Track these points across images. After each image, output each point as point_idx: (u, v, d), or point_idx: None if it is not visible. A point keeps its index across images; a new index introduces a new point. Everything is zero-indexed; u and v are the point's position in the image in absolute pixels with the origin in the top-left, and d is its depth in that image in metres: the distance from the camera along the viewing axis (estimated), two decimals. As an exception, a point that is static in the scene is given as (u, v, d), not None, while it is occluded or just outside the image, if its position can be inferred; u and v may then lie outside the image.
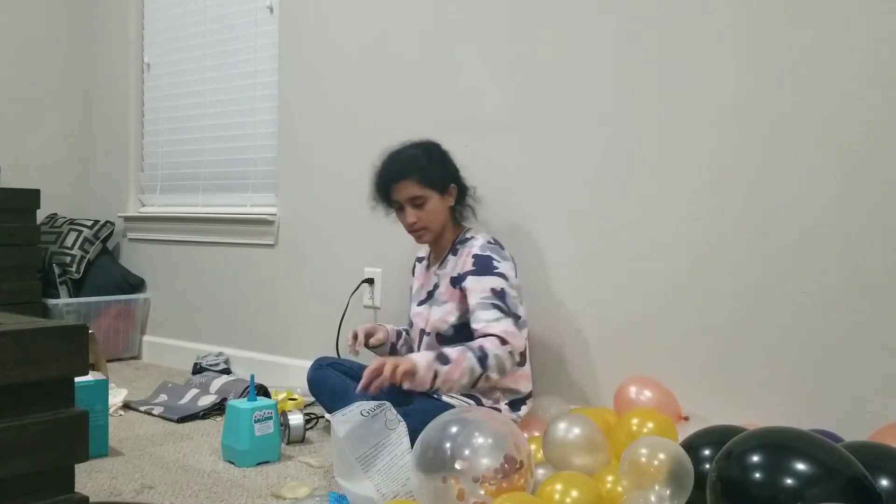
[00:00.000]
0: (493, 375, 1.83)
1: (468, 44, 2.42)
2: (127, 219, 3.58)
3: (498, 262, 1.95)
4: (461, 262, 2.00)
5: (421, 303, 2.13)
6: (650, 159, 2.06)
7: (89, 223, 3.47)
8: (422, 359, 1.78)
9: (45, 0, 3.65)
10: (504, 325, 1.85)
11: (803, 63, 1.83)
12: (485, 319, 1.86)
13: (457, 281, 1.99)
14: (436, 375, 1.77)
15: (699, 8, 1.98)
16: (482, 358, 1.80)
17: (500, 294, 1.89)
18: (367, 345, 2.14)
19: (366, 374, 1.74)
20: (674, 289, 2.03)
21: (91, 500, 1.28)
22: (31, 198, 3.13)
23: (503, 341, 1.83)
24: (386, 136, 2.31)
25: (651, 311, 2.06)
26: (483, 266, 1.94)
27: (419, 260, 2.25)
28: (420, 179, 1.99)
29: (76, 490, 1.22)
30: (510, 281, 1.93)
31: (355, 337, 2.12)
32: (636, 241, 2.09)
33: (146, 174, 3.58)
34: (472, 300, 1.91)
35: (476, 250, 1.97)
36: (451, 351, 1.81)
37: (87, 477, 1.85)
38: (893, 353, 1.73)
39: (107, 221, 3.52)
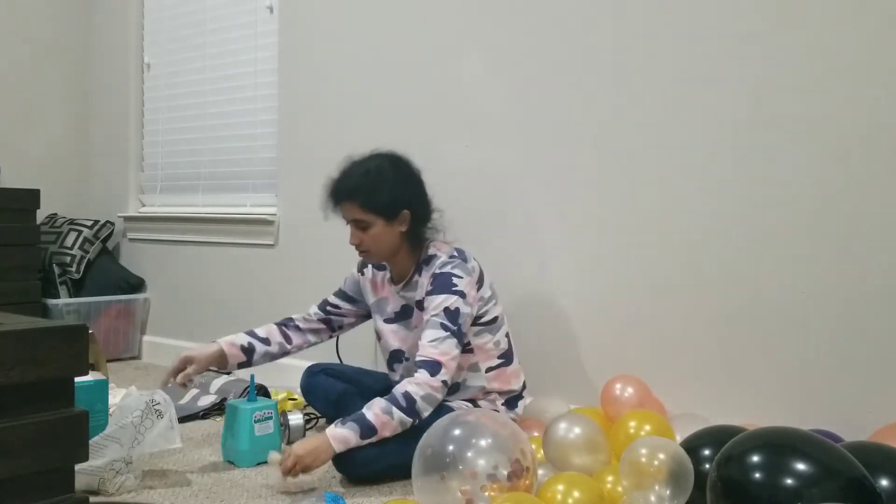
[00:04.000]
0: (426, 414, 1.77)
1: (469, 43, 2.42)
2: (127, 219, 3.58)
3: (458, 278, 1.87)
4: (425, 283, 1.93)
5: (389, 320, 2.06)
6: (649, 158, 2.06)
7: (89, 223, 3.47)
8: (340, 441, 1.72)
9: (45, 0, 3.65)
10: (444, 347, 1.80)
11: (803, 61, 1.83)
12: (427, 339, 1.82)
13: (421, 305, 1.94)
14: (365, 443, 1.73)
15: (700, 7, 1.98)
16: (409, 408, 1.74)
17: (452, 313, 1.84)
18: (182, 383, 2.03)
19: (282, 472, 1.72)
20: (674, 288, 2.03)
21: (91, 500, 1.27)
22: (31, 198, 3.13)
23: (436, 367, 1.78)
24: (386, 135, 2.30)
25: (651, 310, 2.06)
26: (441, 284, 1.87)
27: (378, 267, 2.10)
28: (363, 204, 1.89)
29: (76, 490, 1.22)
30: (468, 298, 1.87)
31: (175, 374, 2.02)
32: (636, 240, 2.09)
33: (146, 174, 3.57)
34: (426, 316, 1.87)
35: (436, 269, 1.90)
36: (374, 417, 1.73)
37: (87, 477, 1.85)
38: (893, 353, 1.73)
39: (107, 221, 3.52)
